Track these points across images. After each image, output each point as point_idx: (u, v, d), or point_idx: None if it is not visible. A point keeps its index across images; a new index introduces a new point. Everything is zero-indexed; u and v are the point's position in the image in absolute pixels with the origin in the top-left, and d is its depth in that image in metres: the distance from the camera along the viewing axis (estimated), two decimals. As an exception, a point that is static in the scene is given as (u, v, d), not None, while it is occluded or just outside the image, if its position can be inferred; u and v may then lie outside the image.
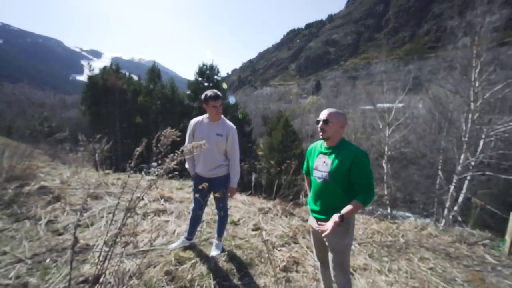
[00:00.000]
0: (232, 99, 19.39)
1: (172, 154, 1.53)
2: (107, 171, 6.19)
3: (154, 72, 20.67)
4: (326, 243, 1.67)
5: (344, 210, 1.55)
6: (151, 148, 1.91)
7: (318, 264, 1.98)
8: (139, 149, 1.67)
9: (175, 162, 1.51)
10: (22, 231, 2.79)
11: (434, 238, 3.19)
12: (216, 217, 2.66)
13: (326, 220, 1.65)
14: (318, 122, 1.68)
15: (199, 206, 2.45)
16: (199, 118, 2.45)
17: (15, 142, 5.17)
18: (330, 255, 1.67)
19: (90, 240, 2.66)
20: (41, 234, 2.76)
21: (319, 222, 1.62)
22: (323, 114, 1.67)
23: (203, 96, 2.32)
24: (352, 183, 1.59)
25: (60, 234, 2.81)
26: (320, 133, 1.68)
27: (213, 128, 2.36)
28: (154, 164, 1.60)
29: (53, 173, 5.46)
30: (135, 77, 22.84)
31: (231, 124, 2.44)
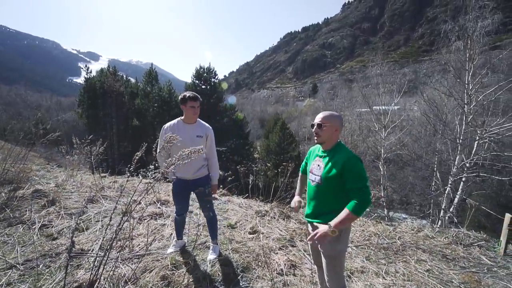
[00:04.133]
0: (232, 99, 19.50)
1: (170, 159, 1.52)
2: (103, 174, 6.14)
3: (151, 74, 20.64)
4: (319, 248, 1.65)
5: (334, 221, 1.46)
6: (149, 151, 1.89)
7: (315, 267, 1.98)
8: (138, 153, 1.65)
9: (173, 166, 1.50)
10: (15, 236, 2.74)
11: (430, 239, 3.20)
12: None
13: (319, 223, 1.64)
14: (312, 126, 1.68)
15: (184, 209, 2.54)
16: (173, 122, 2.40)
17: (9, 144, 5.11)
18: (323, 260, 1.65)
19: (85, 245, 2.63)
20: (34, 239, 2.71)
21: (311, 233, 1.57)
22: (317, 118, 1.66)
23: (181, 97, 2.32)
24: (346, 189, 1.52)
25: (54, 239, 2.77)
26: (315, 138, 1.68)
27: (192, 130, 2.36)
28: (151, 167, 1.59)
29: (48, 176, 5.39)
30: (133, 80, 22.77)
31: (207, 124, 2.48)
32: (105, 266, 2.02)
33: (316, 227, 1.67)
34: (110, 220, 2.73)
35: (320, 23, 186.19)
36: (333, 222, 1.45)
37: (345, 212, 1.46)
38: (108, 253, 1.79)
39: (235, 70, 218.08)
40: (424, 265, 2.57)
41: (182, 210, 2.53)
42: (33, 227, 2.95)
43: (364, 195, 1.46)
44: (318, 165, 1.67)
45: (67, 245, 2.62)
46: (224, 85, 18.58)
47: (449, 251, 2.87)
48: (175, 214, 2.60)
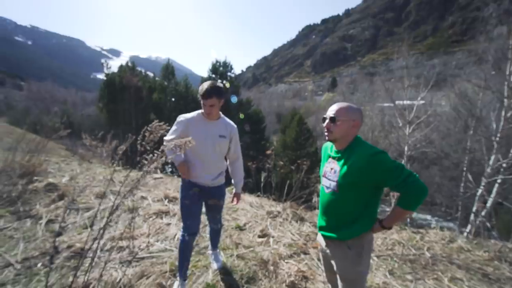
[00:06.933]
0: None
1: (151, 155, 1.33)
2: (117, 168, 6.16)
3: (168, 69, 20.88)
4: (335, 269, 1.36)
5: (386, 219, 1.27)
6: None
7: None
8: (123, 147, 1.50)
9: (155, 163, 1.30)
10: (21, 231, 2.71)
11: (466, 253, 2.79)
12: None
13: (336, 239, 1.34)
14: (324, 119, 1.33)
15: (196, 225, 1.94)
16: (192, 114, 1.94)
17: (31, 135, 5.23)
18: (339, 283, 1.35)
19: (87, 244, 2.52)
20: (39, 235, 2.66)
21: (322, 247, 1.29)
22: (330, 110, 1.32)
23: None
24: (390, 188, 1.25)
25: (59, 235, 2.70)
26: (325, 133, 1.33)
27: (214, 128, 1.90)
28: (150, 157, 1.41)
29: (66, 168, 5.48)
30: (151, 75, 23.18)
31: (231, 122, 2.04)
32: (99, 269, 1.89)
33: (331, 241, 1.39)
34: (93, 221, 2.61)
35: (341, 14, 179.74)
36: (385, 220, 1.27)
37: (396, 209, 1.23)
38: (95, 255, 1.64)
39: (252, 64, 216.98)
40: (461, 285, 2.20)
41: (193, 226, 1.91)
42: (40, 222, 2.91)
43: (412, 184, 1.14)
44: (332, 169, 1.34)
45: (68, 243, 2.54)
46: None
47: (491, 269, 2.46)
48: (182, 235, 1.89)
